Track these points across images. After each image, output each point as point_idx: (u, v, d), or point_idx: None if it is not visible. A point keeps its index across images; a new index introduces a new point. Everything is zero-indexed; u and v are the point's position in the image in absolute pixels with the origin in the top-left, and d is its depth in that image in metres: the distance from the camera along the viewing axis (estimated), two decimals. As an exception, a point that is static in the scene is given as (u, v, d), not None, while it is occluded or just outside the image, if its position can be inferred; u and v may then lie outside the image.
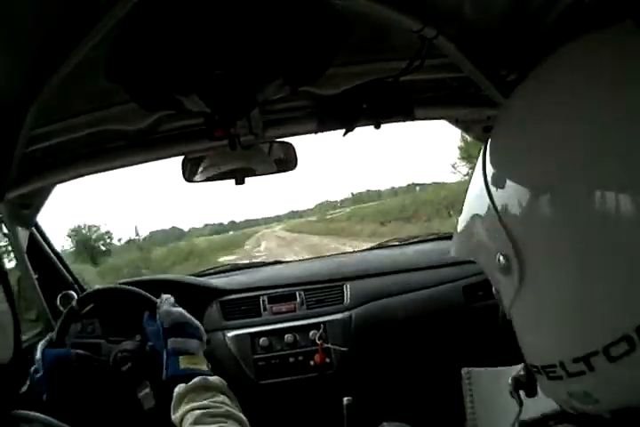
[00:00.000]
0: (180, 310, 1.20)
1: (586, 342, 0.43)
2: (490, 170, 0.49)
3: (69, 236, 17.39)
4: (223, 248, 19.49)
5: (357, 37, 0.89)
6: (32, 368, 1.13)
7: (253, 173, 1.29)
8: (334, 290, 1.62)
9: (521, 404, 0.59)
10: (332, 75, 0.95)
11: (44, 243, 1.53)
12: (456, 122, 1.24)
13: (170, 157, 1.16)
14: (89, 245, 17.54)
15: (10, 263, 1.35)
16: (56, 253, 1.61)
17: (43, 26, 0.70)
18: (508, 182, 0.46)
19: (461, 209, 0.55)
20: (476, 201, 0.51)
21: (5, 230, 0.97)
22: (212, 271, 1.88)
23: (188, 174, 1.30)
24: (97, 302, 1.32)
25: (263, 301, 1.61)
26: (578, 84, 0.45)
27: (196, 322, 1.17)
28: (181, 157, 1.28)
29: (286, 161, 1.32)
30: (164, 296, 1.24)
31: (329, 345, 1.49)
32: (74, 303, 1.29)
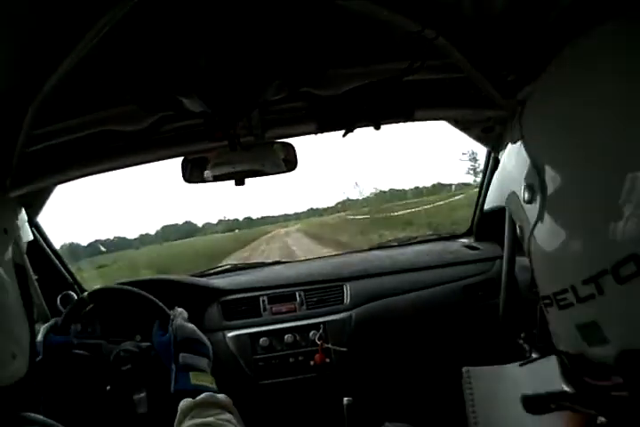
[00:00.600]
0: (193, 326, 1.24)
1: (596, 261, 0.45)
2: (525, 122, 0.57)
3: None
4: (211, 256, 12.77)
5: (357, 38, 0.89)
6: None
7: (261, 174, 1.29)
8: (334, 290, 1.62)
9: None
10: (332, 76, 0.95)
11: (44, 243, 1.53)
12: (455, 122, 1.24)
13: (170, 157, 1.16)
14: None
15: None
16: (56, 254, 1.61)
17: (43, 26, 0.70)
18: (542, 129, 0.54)
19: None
20: (509, 157, 0.59)
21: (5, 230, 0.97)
22: (212, 271, 1.89)
23: (189, 175, 1.30)
24: (106, 300, 1.33)
25: (263, 301, 1.61)
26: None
27: (207, 340, 1.21)
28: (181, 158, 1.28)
29: (287, 162, 1.32)
30: (179, 310, 1.29)
31: (329, 345, 1.49)
32: (85, 295, 1.31)
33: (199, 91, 0.90)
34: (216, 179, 1.26)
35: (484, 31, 0.85)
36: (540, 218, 0.52)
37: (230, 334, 1.54)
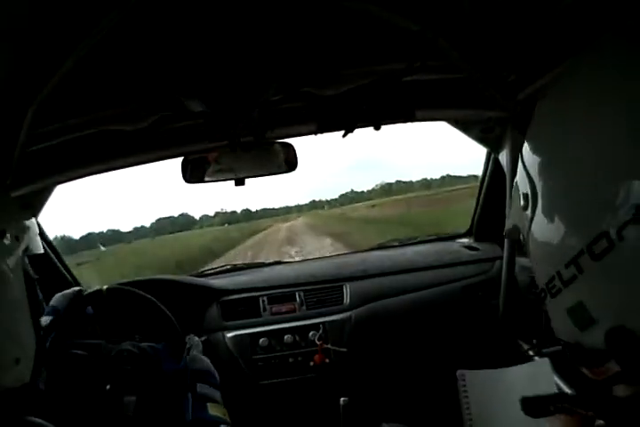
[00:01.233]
0: (208, 359, 1.30)
1: (573, 244, 0.51)
2: (526, 149, 0.63)
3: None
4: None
5: (358, 39, 0.89)
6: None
7: (262, 175, 1.30)
8: (334, 291, 1.62)
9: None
10: (332, 76, 0.95)
11: (44, 244, 1.53)
12: (456, 123, 1.24)
13: (170, 157, 1.16)
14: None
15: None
16: (56, 253, 1.61)
17: (43, 26, 0.70)
18: (539, 150, 0.60)
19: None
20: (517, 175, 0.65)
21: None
22: (212, 272, 1.89)
23: (189, 175, 1.30)
24: (119, 300, 1.34)
25: (263, 301, 1.61)
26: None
27: (216, 374, 1.28)
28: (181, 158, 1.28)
29: (287, 162, 1.32)
30: (195, 339, 1.34)
31: (328, 346, 1.49)
32: (104, 288, 1.33)
33: (199, 91, 0.90)
34: (218, 179, 1.27)
35: (485, 32, 0.85)
36: (531, 221, 0.58)
37: (230, 335, 1.54)
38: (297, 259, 1.94)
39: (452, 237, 1.94)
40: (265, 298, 1.62)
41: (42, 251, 1.02)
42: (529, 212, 0.59)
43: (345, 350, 1.49)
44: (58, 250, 1.63)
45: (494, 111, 1.04)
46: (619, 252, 0.46)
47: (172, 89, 0.91)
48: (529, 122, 0.65)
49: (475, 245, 1.77)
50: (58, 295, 1.30)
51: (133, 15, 0.71)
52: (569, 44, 0.68)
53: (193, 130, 1.08)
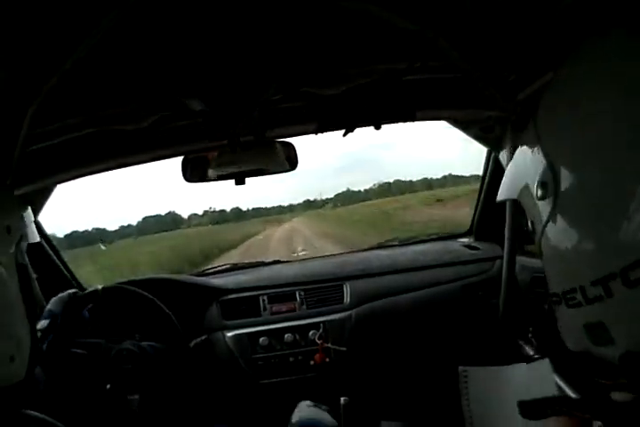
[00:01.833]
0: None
1: (605, 263, 0.45)
2: (541, 122, 0.58)
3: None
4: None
5: (357, 38, 0.89)
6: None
7: (263, 174, 1.30)
8: (334, 290, 1.62)
9: None
10: (332, 76, 0.95)
11: (44, 243, 1.53)
12: (455, 122, 1.24)
13: (170, 157, 1.16)
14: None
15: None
16: (56, 253, 1.61)
17: (43, 26, 0.70)
18: (557, 130, 0.55)
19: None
20: (523, 152, 0.60)
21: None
22: (212, 271, 1.89)
23: (189, 174, 1.30)
24: (117, 299, 1.34)
25: (263, 300, 1.61)
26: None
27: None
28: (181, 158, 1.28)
29: (287, 161, 1.32)
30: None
31: (329, 345, 1.49)
32: (100, 287, 1.33)
33: (199, 90, 0.90)
34: (218, 178, 1.27)
35: (485, 31, 0.85)
36: (552, 216, 0.52)
37: (230, 334, 1.54)
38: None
39: (453, 237, 1.95)
40: (265, 297, 1.62)
41: (37, 239, 1.01)
42: (547, 204, 0.53)
43: (345, 349, 1.49)
44: (57, 248, 1.63)
45: (494, 111, 1.03)
46: None
47: (171, 89, 0.91)
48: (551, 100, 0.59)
49: (475, 244, 1.78)
50: (54, 299, 1.31)
51: (133, 15, 0.71)
52: (569, 44, 0.68)
53: (193, 129, 1.08)
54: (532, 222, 0.58)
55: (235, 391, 1.49)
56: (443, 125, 1.29)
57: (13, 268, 0.85)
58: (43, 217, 1.46)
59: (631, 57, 0.48)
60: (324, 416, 1.03)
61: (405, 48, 0.91)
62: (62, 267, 1.62)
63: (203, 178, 1.31)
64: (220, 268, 1.92)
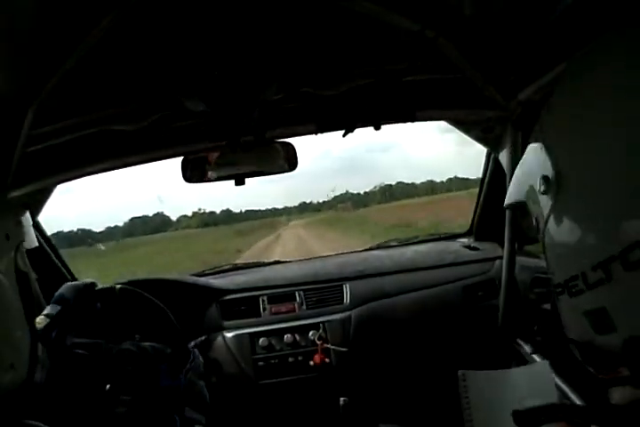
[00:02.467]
0: (203, 383, 1.32)
1: (605, 247, 0.47)
2: (546, 121, 0.59)
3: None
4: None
5: (358, 39, 0.89)
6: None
7: (262, 174, 1.30)
8: (334, 290, 1.62)
9: None
10: (332, 76, 0.95)
11: (44, 242, 1.53)
12: (456, 123, 1.24)
13: (170, 157, 1.16)
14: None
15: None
16: (56, 253, 1.61)
17: (43, 27, 0.70)
18: (559, 123, 0.57)
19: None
20: (529, 155, 0.61)
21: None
22: (212, 271, 1.89)
23: (189, 175, 1.30)
24: (127, 300, 1.34)
25: (263, 301, 1.61)
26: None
27: (208, 399, 1.32)
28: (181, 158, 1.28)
29: (287, 161, 1.32)
30: (199, 359, 1.37)
31: (328, 345, 1.49)
32: (117, 286, 1.34)
33: (200, 90, 0.90)
34: (218, 179, 1.27)
35: (485, 32, 0.85)
36: (554, 208, 0.54)
37: (230, 334, 1.54)
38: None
39: (453, 237, 1.94)
40: (265, 298, 1.62)
41: (36, 244, 1.01)
42: (549, 197, 0.54)
43: (345, 349, 1.49)
44: (57, 248, 1.63)
45: (494, 111, 1.03)
46: None
47: (172, 89, 0.91)
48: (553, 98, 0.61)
49: (475, 244, 1.77)
50: (67, 285, 1.29)
51: (133, 15, 0.71)
52: (569, 44, 0.68)
53: (193, 129, 1.08)
54: (536, 219, 0.59)
55: (234, 392, 1.49)
56: (438, 129, 1.29)
57: (12, 274, 0.85)
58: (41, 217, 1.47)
59: (634, 58, 0.49)
60: None
61: (405, 48, 0.92)
62: (62, 267, 1.62)
63: (203, 178, 1.31)
64: (219, 268, 1.92)
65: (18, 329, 0.84)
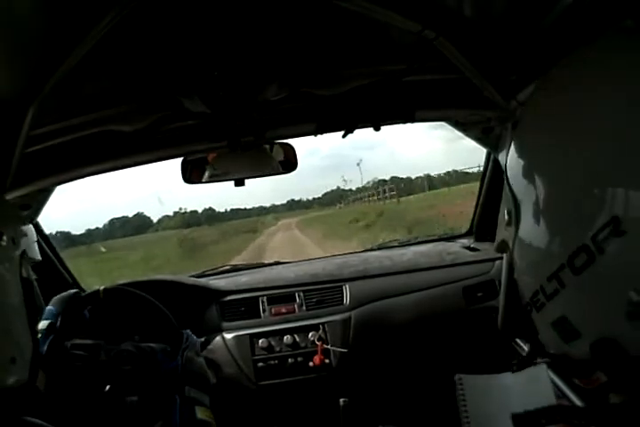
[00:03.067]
0: (203, 361, 1.30)
1: (555, 259, 0.51)
2: (510, 160, 0.67)
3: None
4: None
5: (357, 39, 0.89)
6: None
7: (262, 175, 1.30)
8: (334, 291, 1.62)
9: None
10: (332, 76, 0.95)
11: (44, 243, 1.53)
12: (455, 123, 1.24)
13: (170, 157, 1.16)
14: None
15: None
16: (56, 254, 1.61)
17: (43, 27, 0.70)
18: (521, 166, 0.64)
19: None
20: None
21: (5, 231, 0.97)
22: (211, 272, 1.88)
23: (189, 175, 1.30)
24: (117, 300, 1.34)
25: (263, 302, 1.61)
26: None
27: (211, 376, 1.30)
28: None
29: (286, 162, 1.32)
30: (193, 338, 1.33)
31: (328, 346, 1.49)
32: (101, 288, 1.33)
33: (199, 91, 0.90)
34: (218, 179, 1.27)
35: (485, 32, 0.85)
36: (516, 235, 0.60)
37: (229, 335, 1.53)
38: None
39: (453, 238, 1.94)
40: (265, 298, 1.61)
41: (39, 258, 1.02)
42: (512, 227, 0.61)
43: (345, 350, 1.49)
44: (57, 250, 1.63)
45: (494, 111, 1.03)
46: (598, 265, 0.46)
47: (171, 89, 0.91)
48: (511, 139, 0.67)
49: (475, 245, 1.77)
50: (55, 298, 1.31)
51: (133, 15, 0.71)
52: (568, 44, 0.68)
53: (193, 130, 1.08)
54: (510, 249, 0.67)
55: (234, 393, 1.48)
56: (426, 126, 1.29)
57: (17, 274, 0.85)
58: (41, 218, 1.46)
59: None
60: None
61: (405, 49, 0.92)
62: (62, 268, 1.62)
63: (202, 179, 1.31)
64: (219, 269, 1.92)
65: (20, 326, 0.84)
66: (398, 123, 1.08)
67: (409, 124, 1.08)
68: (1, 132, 0.88)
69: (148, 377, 1.20)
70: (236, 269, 1.91)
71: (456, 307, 1.58)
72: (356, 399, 1.31)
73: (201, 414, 1.17)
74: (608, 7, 0.64)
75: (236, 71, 0.88)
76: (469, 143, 1.28)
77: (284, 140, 1.29)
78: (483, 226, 1.77)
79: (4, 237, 0.85)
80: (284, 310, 1.59)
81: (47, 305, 1.41)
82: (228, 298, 1.63)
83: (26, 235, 0.95)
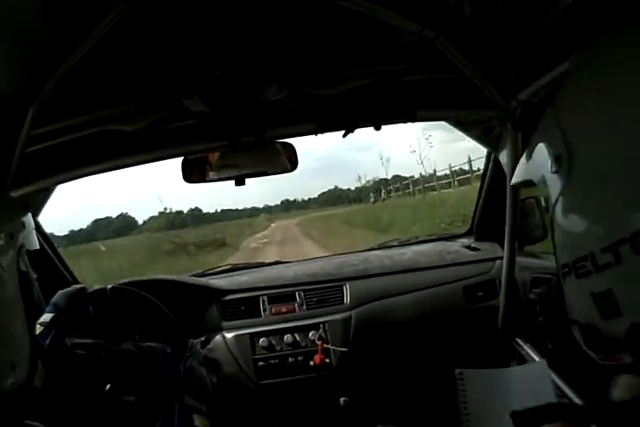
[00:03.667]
0: (204, 371, 1.32)
1: (615, 230, 0.47)
2: (559, 104, 0.59)
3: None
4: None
5: (358, 39, 0.89)
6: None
7: (264, 174, 1.30)
8: (334, 290, 1.62)
9: None
10: (332, 76, 0.95)
11: (44, 243, 1.53)
12: (456, 123, 1.24)
13: (170, 157, 1.16)
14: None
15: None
16: (56, 253, 1.61)
17: (43, 26, 0.70)
18: (574, 105, 0.57)
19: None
20: (539, 134, 0.62)
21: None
22: (212, 272, 1.89)
23: (189, 175, 1.30)
24: (123, 299, 1.35)
25: (263, 301, 1.61)
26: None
27: (210, 386, 1.32)
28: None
29: (288, 161, 1.32)
30: (197, 347, 1.36)
31: (328, 346, 1.49)
32: (108, 287, 1.33)
33: (199, 91, 0.90)
34: (218, 179, 1.27)
35: (485, 32, 0.85)
36: (565, 188, 0.54)
37: (230, 335, 1.54)
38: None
39: (453, 237, 1.94)
40: (265, 298, 1.62)
41: (37, 247, 1.02)
42: (561, 177, 0.54)
43: (345, 349, 1.49)
44: (56, 248, 1.63)
45: (494, 111, 1.03)
46: None
47: (171, 89, 0.91)
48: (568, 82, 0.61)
49: (475, 245, 1.77)
50: (60, 293, 1.31)
51: (133, 15, 0.71)
52: (569, 44, 0.68)
53: (193, 130, 1.08)
54: (547, 199, 0.59)
55: (235, 392, 1.49)
56: (420, 127, 1.29)
57: (15, 274, 0.85)
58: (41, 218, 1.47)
59: None
60: None
61: (406, 49, 0.92)
62: (62, 267, 1.62)
63: (203, 179, 1.31)
64: (220, 268, 1.92)
65: (18, 328, 0.84)
66: (399, 122, 1.08)
67: (403, 126, 1.08)
68: (1, 132, 0.88)
69: (147, 378, 1.20)
70: (236, 268, 1.91)
71: (456, 306, 1.58)
72: (357, 399, 1.32)
73: (198, 422, 1.20)
74: (608, 7, 0.64)
75: (236, 71, 0.88)
76: (462, 145, 1.28)
77: (284, 140, 1.29)
78: (483, 226, 1.77)
79: (2, 235, 0.84)
80: (284, 310, 1.59)
81: (47, 304, 1.42)
82: (229, 297, 1.63)
83: (24, 226, 0.94)
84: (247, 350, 1.51)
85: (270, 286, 1.65)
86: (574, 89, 0.59)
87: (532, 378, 1.09)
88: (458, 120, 1.23)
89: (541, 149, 0.60)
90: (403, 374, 1.53)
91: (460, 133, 1.26)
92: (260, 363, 1.50)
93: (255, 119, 1.02)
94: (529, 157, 0.65)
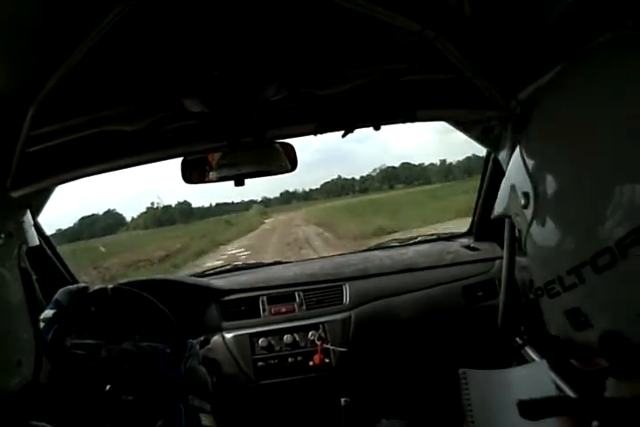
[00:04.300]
0: (205, 370, 1.33)
1: (577, 254, 0.52)
2: (526, 145, 0.66)
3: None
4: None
5: (358, 38, 0.89)
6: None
7: (264, 175, 1.30)
8: (334, 290, 1.62)
9: None
10: (332, 76, 0.95)
11: (44, 243, 1.53)
12: (456, 123, 1.24)
13: (170, 157, 1.16)
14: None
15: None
16: (55, 253, 1.61)
17: (43, 26, 0.70)
18: (541, 151, 0.63)
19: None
20: (512, 172, 0.68)
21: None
22: (212, 272, 1.89)
23: (189, 175, 1.30)
24: (123, 300, 1.35)
25: (263, 301, 1.61)
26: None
27: (210, 385, 1.32)
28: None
29: (287, 162, 1.32)
30: (197, 348, 1.36)
31: (328, 346, 1.49)
32: (109, 287, 1.34)
33: (199, 91, 0.90)
34: (218, 179, 1.27)
35: (485, 31, 0.85)
36: (533, 220, 0.60)
37: (229, 335, 1.54)
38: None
39: (453, 237, 1.95)
40: (264, 298, 1.62)
41: (37, 243, 1.02)
42: (529, 211, 0.60)
43: (345, 349, 1.49)
44: (56, 248, 1.63)
45: (494, 111, 1.03)
46: (620, 268, 0.48)
47: (171, 89, 0.91)
48: (529, 121, 0.66)
49: (475, 245, 1.78)
50: (62, 290, 1.31)
51: (133, 15, 0.71)
52: (569, 44, 0.68)
53: (193, 130, 1.08)
54: (519, 230, 0.66)
55: (234, 392, 1.49)
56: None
57: (17, 272, 0.85)
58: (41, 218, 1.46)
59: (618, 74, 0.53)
60: None
61: (405, 48, 0.92)
62: (62, 267, 1.62)
63: (203, 179, 1.31)
64: (219, 269, 1.92)
65: (23, 328, 0.84)
66: (399, 122, 1.08)
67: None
68: (1, 132, 0.88)
69: (146, 378, 1.20)
70: (236, 268, 1.91)
71: (456, 306, 1.58)
72: (356, 399, 1.32)
73: (205, 421, 1.21)
74: (609, 7, 0.64)
75: (235, 71, 0.88)
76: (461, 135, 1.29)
77: (284, 140, 1.29)
78: (483, 226, 1.77)
79: (2, 235, 0.84)
80: (283, 310, 1.59)
81: (47, 304, 1.41)
82: (228, 297, 1.63)
83: (23, 224, 0.94)
84: (247, 351, 1.51)
85: (270, 286, 1.65)
86: (533, 128, 0.66)
87: (535, 377, 1.09)
88: (458, 120, 1.23)
89: (512, 184, 0.66)
90: (402, 373, 1.53)
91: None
92: (260, 363, 1.50)
93: (255, 119, 1.02)
94: (503, 191, 0.71)
